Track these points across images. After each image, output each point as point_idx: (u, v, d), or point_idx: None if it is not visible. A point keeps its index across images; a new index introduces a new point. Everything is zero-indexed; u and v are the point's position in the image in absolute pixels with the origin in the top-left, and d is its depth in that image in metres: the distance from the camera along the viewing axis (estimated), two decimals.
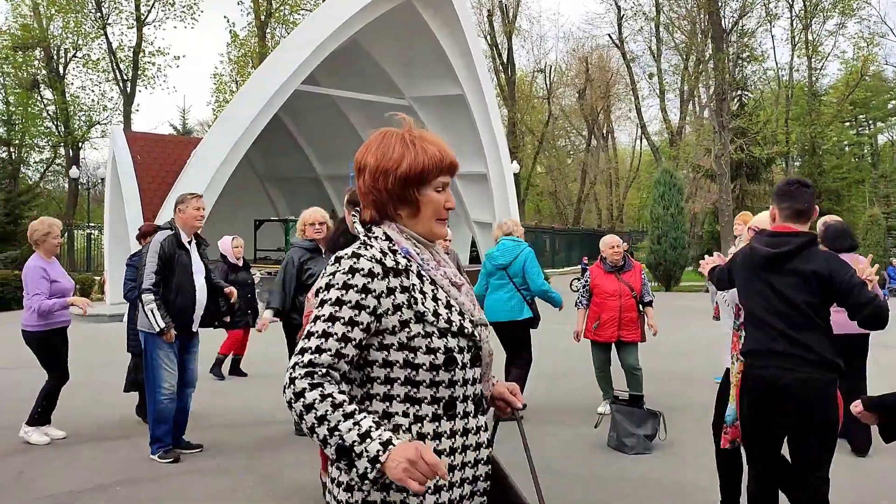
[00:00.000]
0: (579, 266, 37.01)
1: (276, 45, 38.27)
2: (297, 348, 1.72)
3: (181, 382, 5.64)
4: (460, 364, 1.81)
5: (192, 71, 68.97)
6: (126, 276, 6.78)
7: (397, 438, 1.63)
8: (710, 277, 3.99)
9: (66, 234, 33.14)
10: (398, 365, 1.77)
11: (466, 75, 21.20)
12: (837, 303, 3.31)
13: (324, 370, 1.68)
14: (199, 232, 5.73)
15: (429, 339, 1.77)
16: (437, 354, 1.78)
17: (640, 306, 6.92)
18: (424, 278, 1.83)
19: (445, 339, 1.79)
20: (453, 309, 1.84)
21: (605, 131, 57.25)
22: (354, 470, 1.61)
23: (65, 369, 6.19)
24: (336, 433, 1.62)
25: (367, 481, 1.66)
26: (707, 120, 36.44)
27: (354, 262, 1.75)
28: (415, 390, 1.77)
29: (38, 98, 37.50)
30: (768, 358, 3.31)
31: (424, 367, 1.77)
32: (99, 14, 37.13)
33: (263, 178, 27.67)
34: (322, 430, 1.63)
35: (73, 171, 34.92)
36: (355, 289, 1.73)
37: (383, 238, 1.84)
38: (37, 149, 38.81)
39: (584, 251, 40.19)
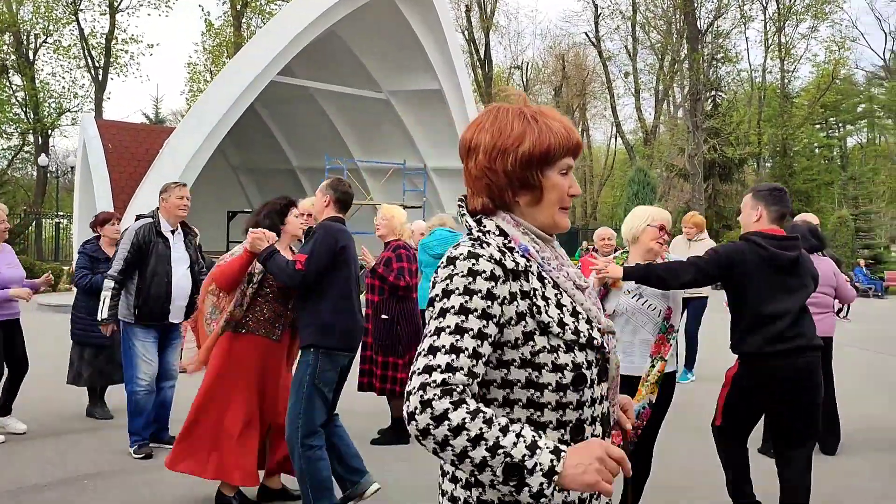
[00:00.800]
0: None
1: (252, 36, 37.94)
2: (419, 367, 1.45)
3: (159, 375, 5.52)
4: (589, 382, 1.58)
5: (166, 60, 68.13)
6: (77, 264, 6.66)
7: (556, 442, 1.43)
8: (629, 278, 3.73)
9: (35, 223, 32.58)
10: (520, 385, 1.53)
11: (444, 70, 21.16)
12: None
13: (461, 388, 1.42)
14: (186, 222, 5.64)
15: (555, 355, 1.53)
16: (565, 372, 1.53)
17: None
18: (546, 281, 1.58)
19: (573, 354, 1.55)
20: (580, 317, 1.59)
21: (580, 129, 57.57)
22: (525, 490, 1.37)
23: (18, 361, 6.02)
24: (500, 451, 1.37)
25: (542, 499, 1.38)
26: (681, 120, 36.80)
27: (473, 264, 1.50)
28: (538, 414, 1.53)
29: (7, 84, 36.75)
30: (784, 354, 3.67)
31: (550, 388, 1.53)
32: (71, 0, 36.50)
33: (237, 169, 27.42)
34: (479, 453, 1.37)
35: (42, 159, 34.28)
36: (480, 294, 1.48)
37: (497, 233, 1.59)
38: (4, 135, 38.05)
39: None
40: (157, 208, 5.55)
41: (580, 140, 1.65)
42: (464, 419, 1.38)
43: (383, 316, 5.75)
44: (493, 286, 1.49)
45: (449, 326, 1.46)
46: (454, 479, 1.57)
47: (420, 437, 1.41)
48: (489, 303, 1.48)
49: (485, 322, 1.47)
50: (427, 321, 1.53)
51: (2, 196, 30.20)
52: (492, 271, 1.50)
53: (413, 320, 5.80)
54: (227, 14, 38.78)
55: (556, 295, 1.57)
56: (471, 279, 1.48)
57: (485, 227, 1.60)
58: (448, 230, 7.17)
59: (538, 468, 1.36)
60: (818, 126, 52.06)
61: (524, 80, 52.25)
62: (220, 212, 23.43)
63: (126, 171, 19.00)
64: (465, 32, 44.39)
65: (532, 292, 1.54)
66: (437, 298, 1.51)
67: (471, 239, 1.58)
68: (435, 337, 1.46)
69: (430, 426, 1.38)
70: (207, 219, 18.44)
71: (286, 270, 4.00)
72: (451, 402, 1.39)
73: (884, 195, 43.27)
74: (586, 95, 52.12)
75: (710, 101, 35.35)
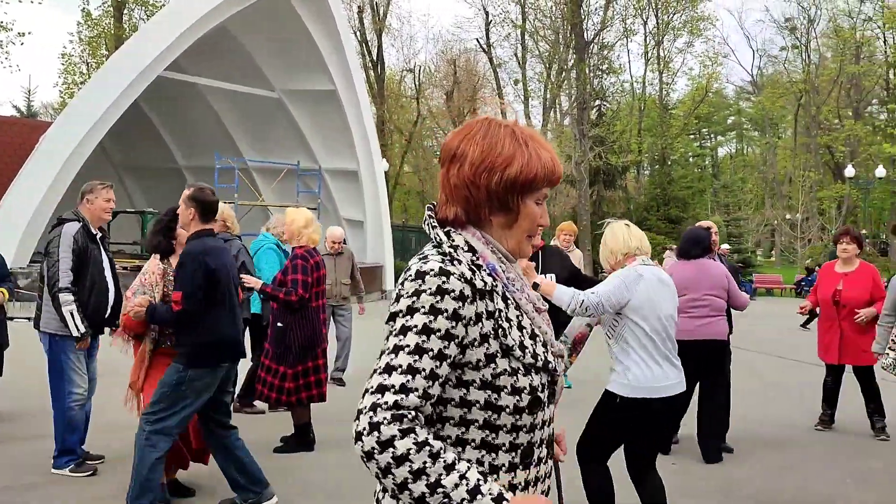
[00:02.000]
0: None
1: (134, 27, 36.31)
2: (372, 385, 1.42)
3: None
4: (545, 405, 1.58)
5: (38, 49, 64.14)
6: None
7: (502, 488, 1.42)
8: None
9: None
10: (478, 406, 1.50)
11: (339, 71, 20.98)
12: None
13: (412, 413, 1.39)
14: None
15: (514, 378, 1.52)
16: (523, 395, 1.52)
17: None
18: (510, 301, 1.56)
19: (530, 377, 1.54)
20: (538, 339, 1.59)
21: None
22: None
23: None
24: (440, 490, 1.35)
25: None
26: (568, 127, 38.03)
27: (444, 282, 1.46)
28: (493, 436, 1.51)
29: None
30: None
31: (507, 410, 1.51)
32: None
33: (119, 167, 26.18)
34: (419, 487, 1.35)
35: None
36: (445, 315, 1.44)
37: (465, 248, 1.55)
38: None
39: None
40: (78, 209, 5.16)
41: (561, 171, 1.64)
42: (409, 449, 1.35)
43: (278, 324, 5.66)
44: (460, 306, 1.45)
45: (409, 346, 1.43)
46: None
47: (364, 459, 1.38)
48: (454, 323, 1.45)
49: (446, 343, 1.44)
50: (386, 335, 1.48)
51: None
52: (461, 291, 1.46)
53: (309, 328, 5.64)
54: (106, 4, 36.97)
55: (517, 317, 1.56)
56: (438, 298, 1.44)
57: (454, 241, 1.56)
58: (264, 234, 7.15)
59: None
60: (692, 136, 55.12)
61: (416, 83, 52.50)
62: None
63: None
64: (358, 34, 44.16)
65: (497, 313, 1.51)
66: (401, 314, 1.46)
67: (439, 252, 1.54)
68: (392, 355, 1.43)
69: (375, 450, 1.35)
70: None
71: (171, 319, 4.13)
72: (399, 430, 1.36)
73: (751, 202, 46.25)
74: (477, 101, 52.87)
75: (595, 110, 36.70)
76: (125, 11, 36.96)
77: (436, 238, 1.58)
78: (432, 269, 1.47)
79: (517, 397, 1.52)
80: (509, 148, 1.56)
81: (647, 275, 3.77)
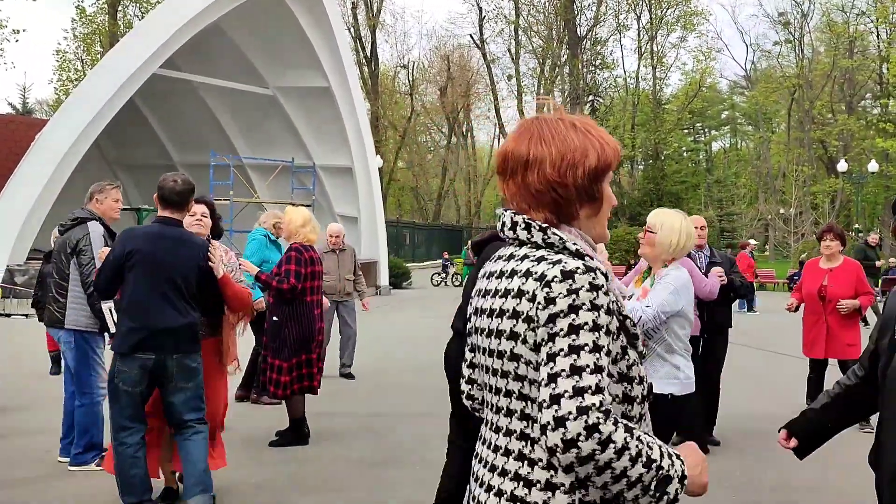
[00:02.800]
0: (440, 261, 37.64)
1: (128, 24, 36.25)
2: (565, 389, 1.40)
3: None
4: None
5: (32, 46, 63.93)
6: None
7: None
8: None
9: None
10: (617, 400, 1.52)
11: (332, 67, 21.02)
12: None
13: (611, 408, 1.42)
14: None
15: (638, 368, 1.55)
16: (644, 384, 1.56)
17: None
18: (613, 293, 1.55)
19: (641, 366, 1.57)
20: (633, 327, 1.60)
21: (464, 129, 58.35)
22: (665, 498, 1.43)
23: None
24: (653, 465, 1.42)
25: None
26: None
27: (593, 278, 1.46)
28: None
29: None
30: None
31: (637, 400, 1.55)
32: None
33: (113, 164, 26.20)
34: (637, 470, 1.40)
35: None
36: (604, 310, 1.46)
37: (577, 246, 1.54)
38: None
39: (443, 246, 40.81)
40: (90, 209, 5.20)
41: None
42: (625, 438, 1.39)
43: (273, 318, 5.78)
44: (607, 301, 1.47)
45: (587, 344, 1.42)
46: (550, 487, 1.49)
47: (576, 464, 1.39)
48: (610, 318, 1.46)
49: (611, 338, 1.47)
50: (544, 338, 1.46)
51: None
52: (605, 286, 1.48)
53: (304, 322, 5.75)
54: (100, 1, 36.89)
55: (620, 306, 1.56)
56: (595, 294, 1.45)
57: (563, 239, 1.54)
58: (259, 230, 7.18)
59: (676, 475, 1.44)
60: (686, 131, 55.20)
61: (410, 79, 52.53)
62: None
63: None
64: (352, 30, 44.18)
65: (616, 304, 1.52)
66: (562, 315, 1.44)
67: (558, 252, 1.53)
68: (574, 356, 1.41)
69: (597, 451, 1.37)
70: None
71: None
72: (612, 425, 1.38)
73: (745, 197, 46.42)
74: (471, 96, 52.95)
75: (588, 105, 36.79)
76: (119, 8, 36.92)
77: (546, 240, 1.55)
78: (578, 268, 1.47)
79: (642, 386, 1.55)
80: (578, 140, 1.56)
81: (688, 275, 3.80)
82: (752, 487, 5.07)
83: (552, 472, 1.47)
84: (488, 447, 1.60)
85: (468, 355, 1.79)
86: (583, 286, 1.45)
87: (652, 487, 1.41)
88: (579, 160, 1.54)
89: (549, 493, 1.48)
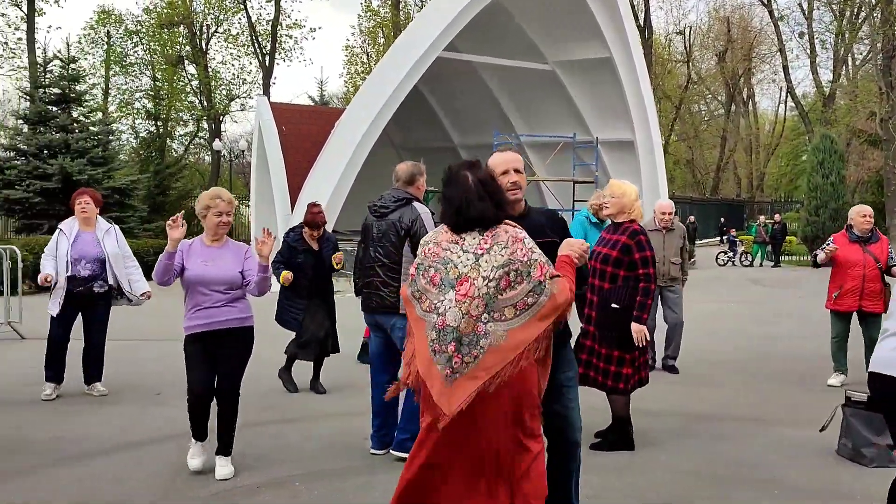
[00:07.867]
0: (718, 238, 35.09)
1: (408, 15, 38.08)
2: None
3: None
4: None
5: (325, 43, 70.33)
6: (277, 252, 6.51)
7: None
8: None
9: None
10: None
11: (614, 37, 20.11)
12: None
13: None
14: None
15: None
16: None
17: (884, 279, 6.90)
18: None
19: None
20: None
21: (745, 95, 54.07)
22: None
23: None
24: None
25: None
26: (871, 80, 33.38)
27: None
28: None
29: (183, 73, 39.00)
30: None
31: None
32: None
33: (399, 148, 27.56)
34: None
35: (217, 144, 36.21)
36: None
37: None
38: (181, 122, 40.51)
39: (721, 222, 38.21)
40: (408, 191, 5.25)
41: None
42: None
43: (613, 305, 5.13)
44: None
45: None
46: None
47: None
48: None
49: None
50: None
51: (180, 180, 32.09)
52: None
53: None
54: None
55: None
56: None
57: None
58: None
59: None
60: None
61: (686, 45, 49.56)
62: (380, 191, 23.55)
63: (298, 152, 19.38)
64: None
65: None
66: None
67: None
68: None
69: None
70: (365, 200, 18.39)
71: None
72: None
73: None
74: (753, 60, 48.77)
75: None
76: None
77: None
78: None
79: None
80: None
81: None
82: None
83: None
84: None
85: None
86: None
87: None
88: None
89: None
